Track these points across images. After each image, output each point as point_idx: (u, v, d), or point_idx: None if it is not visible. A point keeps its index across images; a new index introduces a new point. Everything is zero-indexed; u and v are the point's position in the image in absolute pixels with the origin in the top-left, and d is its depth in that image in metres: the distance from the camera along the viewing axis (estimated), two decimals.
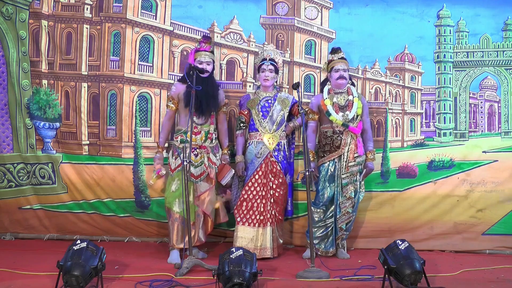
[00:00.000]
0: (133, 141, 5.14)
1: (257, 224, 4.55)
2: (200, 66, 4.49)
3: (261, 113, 4.70)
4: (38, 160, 5.20)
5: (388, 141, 5.22)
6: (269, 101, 4.74)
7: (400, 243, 3.68)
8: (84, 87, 5.17)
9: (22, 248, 4.87)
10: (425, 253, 4.46)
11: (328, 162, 4.65)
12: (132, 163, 5.14)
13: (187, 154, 4.18)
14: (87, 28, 5.16)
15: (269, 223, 4.57)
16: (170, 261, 4.40)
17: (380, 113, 5.26)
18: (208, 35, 4.93)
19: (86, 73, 5.17)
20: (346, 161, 4.61)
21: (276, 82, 4.85)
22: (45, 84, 5.17)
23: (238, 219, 4.59)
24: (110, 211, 5.17)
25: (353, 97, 4.67)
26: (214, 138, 4.63)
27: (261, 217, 4.56)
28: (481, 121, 5.32)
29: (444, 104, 5.29)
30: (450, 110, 5.30)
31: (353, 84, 4.84)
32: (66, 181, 5.18)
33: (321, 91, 4.79)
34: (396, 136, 5.27)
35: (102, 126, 5.16)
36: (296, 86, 4.29)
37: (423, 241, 4.95)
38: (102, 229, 5.19)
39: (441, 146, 5.23)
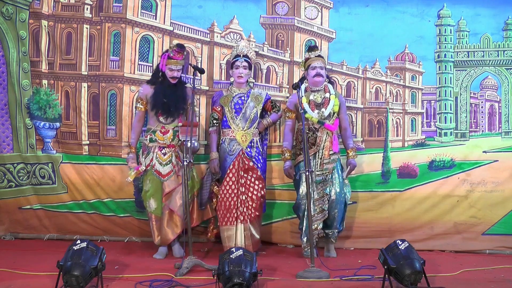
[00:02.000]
0: None
1: (235, 222, 4.55)
2: (170, 73, 4.52)
3: (234, 110, 4.67)
4: (38, 160, 5.20)
5: (389, 141, 5.22)
6: (242, 98, 4.72)
7: (400, 243, 3.67)
8: (84, 87, 5.17)
9: (22, 248, 4.87)
10: (425, 253, 4.45)
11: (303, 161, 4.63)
12: None
13: (188, 155, 4.19)
14: (87, 28, 5.16)
15: (239, 221, 4.55)
16: (155, 257, 4.57)
17: (381, 112, 5.26)
18: (182, 44, 4.72)
19: (86, 73, 5.17)
20: (321, 159, 4.59)
21: (249, 77, 4.84)
22: (45, 84, 5.18)
23: (221, 219, 4.59)
24: (110, 211, 5.18)
25: (330, 95, 4.65)
26: None
27: (236, 215, 4.56)
28: (482, 121, 5.31)
29: (445, 103, 5.29)
30: (450, 109, 5.29)
31: (330, 82, 4.81)
32: (66, 181, 5.18)
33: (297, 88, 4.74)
34: (397, 136, 5.26)
35: (102, 126, 5.16)
36: (296, 86, 4.28)
37: (423, 241, 4.94)
38: (102, 229, 5.19)
39: (441, 146, 5.22)
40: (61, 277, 3.41)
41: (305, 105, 4.59)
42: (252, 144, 4.67)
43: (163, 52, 4.72)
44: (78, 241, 3.58)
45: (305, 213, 4.59)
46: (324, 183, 4.61)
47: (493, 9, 5.19)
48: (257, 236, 4.65)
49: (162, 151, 4.56)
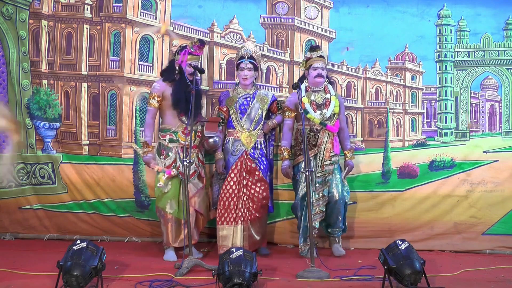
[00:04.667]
0: (133, 141, 5.15)
1: (234, 223, 4.54)
2: (189, 69, 4.47)
3: (239, 111, 4.67)
4: (38, 160, 5.20)
5: (389, 141, 5.22)
6: (248, 99, 4.72)
7: (400, 243, 3.67)
8: (84, 87, 5.17)
9: (22, 248, 4.86)
10: (425, 253, 4.45)
11: (303, 162, 4.62)
12: (132, 163, 5.15)
13: (186, 154, 4.20)
14: (87, 28, 5.16)
15: (240, 221, 4.55)
16: (167, 259, 4.47)
17: (381, 112, 5.26)
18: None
19: (86, 73, 5.17)
20: (321, 160, 4.59)
21: (255, 79, 4.83)
22: (45, 84, 5.18)
23: (217, 218, 4.58)
24: (110, 211, 5.17)
25: (331, 95, 4.65)
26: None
27: (235, 215, 4.55)
28: (482, 121, 5.31)
29: (445, 103, 5.29)
30: (451, 109, 5.29)
31: (330, 82, 4.81)
32: (66, 181, 5.18)
33: (299, 88, 4.72)
34: (397, 136, 5.26)
35: (102, 126, 5.16)
36: (296, 86, 4.28)
37: (423, 241, 4.94)
38: (102, 229, 5.19)
39: (442, 146, 5.22)
40: (61, 277, 3.41)
41: (307, 106, 4.59)
42: (256, 145, 4.67)
43: (180, 48, 4.62)
44: (78, 241, 3.58)
45: (303, 213, 4.60)
46: (324, 184, 4.61)
47: (494, 8, 5.19)
48: (257, 237, 4.64)
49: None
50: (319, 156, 4.60)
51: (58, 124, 5.18)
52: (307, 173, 4.15)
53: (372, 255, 4.33)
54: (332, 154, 4.61)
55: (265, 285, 3.71)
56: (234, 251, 3.57)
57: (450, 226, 5.02)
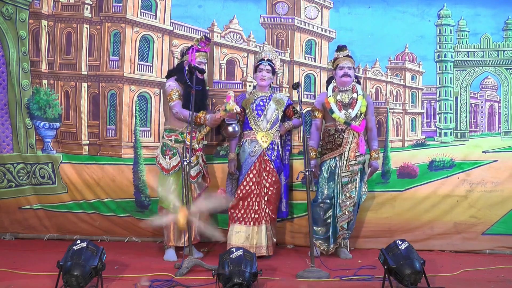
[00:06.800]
0: (133, 141, 5.15)
1: (252, 223, 4.56)
2: (199, 67, 4.48)
3: (255, 112, 4.69)
4: (38, 160, 5.20)
5: (389, 140, 5.22)
6: (264, 100, 4.74)
7: (400, 243, 3.67)
8: (84, 87, 5.17)
9: (22, 248, 4.87)
10: (425, 253, 4.46)
11: (329, 160, 4.64)
12: (132, 163, 5.15)
13: (186, 154, 4.19)
14: (87, 28, 5.16)
15: (264, 221, 4.57)
16: (167, 259, 4.47)
17: (381, 112, 5.26)
18: (208, 35, 4.92)
19: (86, 73, 5.17)
20: (347, 160, 4.60)
21: (272, 82, 4.85)
22: (45, 84, 5.18)
23: (235, 218, 4.59)
24: (110, 211, 5.17)
25: (358, 95, 4.65)
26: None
27: (256, 216, 4.57)
28: (482, 121, 5.31)
29: (445, 103, 5.29)
30: (450, 109, 5.29)
31: (358, 82, 4.82)
32: (66, 181, 5.18)
33: (327, 89, 4.78)
34: (397, 135, 5.27)
35: (102, 126, 5.16)
36: (296, 86, 4.28)
37: (423, 241, 4.95)
38: (102, 229, 5.19)
39: (441, 146, 5.22)
40: (61, 277, 3.40)
41: (332, 105, 4.60)
42: (273, 146, 4.68)
43: (186, 49, 4.62)
44: (78, 241, 3.57)
45: (327, 212, 4.59)
46: (350, 185, 4.61)
47: (493, 9, 5.20)
48: (274, 239, 4.69)
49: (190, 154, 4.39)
50: (344, 156, 4.60)
51: (58, 124, 5.18)
52: (307, 173, 4.15)
53: (372, 255, 4.33)
54: (357, 154, 4.61)
55: (265, 285, 3.72)
56: (234, 251, 3.57)
57: (450, 226, 5.03)
